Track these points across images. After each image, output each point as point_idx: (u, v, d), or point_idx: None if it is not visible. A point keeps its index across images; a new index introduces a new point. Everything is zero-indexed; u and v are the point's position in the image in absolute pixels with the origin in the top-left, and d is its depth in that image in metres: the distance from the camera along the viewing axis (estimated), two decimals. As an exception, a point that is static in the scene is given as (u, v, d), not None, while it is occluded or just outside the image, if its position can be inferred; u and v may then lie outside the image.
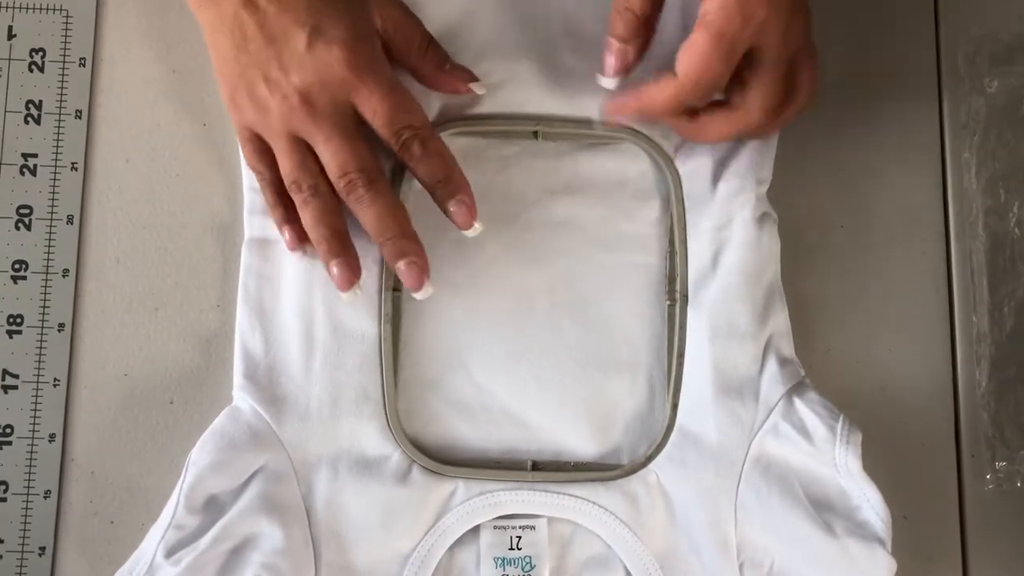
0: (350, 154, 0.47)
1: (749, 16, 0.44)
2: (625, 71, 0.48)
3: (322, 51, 0.46)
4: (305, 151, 0.48)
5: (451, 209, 0.48)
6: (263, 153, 0.49)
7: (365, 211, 0.47)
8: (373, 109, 0.47)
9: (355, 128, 0.48)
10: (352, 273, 0.48)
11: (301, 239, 0.49)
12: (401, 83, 0.48)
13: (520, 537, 0.49)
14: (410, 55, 0.49)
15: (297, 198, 0.48)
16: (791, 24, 0.46)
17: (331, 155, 0.47)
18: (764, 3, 0.44)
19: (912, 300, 0.55)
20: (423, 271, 0.47)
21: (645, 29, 0.47)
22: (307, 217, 0.48)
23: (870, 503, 0.47)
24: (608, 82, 0.48)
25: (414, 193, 0.50)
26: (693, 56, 0.44)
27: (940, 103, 0.56)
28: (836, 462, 0.47)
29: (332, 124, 0.47)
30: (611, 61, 0.48)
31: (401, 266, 0.47)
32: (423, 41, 0.49)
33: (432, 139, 0.48)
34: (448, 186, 0.47)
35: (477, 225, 0.49)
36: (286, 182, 0.49)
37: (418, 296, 0.48)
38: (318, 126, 0.47)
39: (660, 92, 0.47)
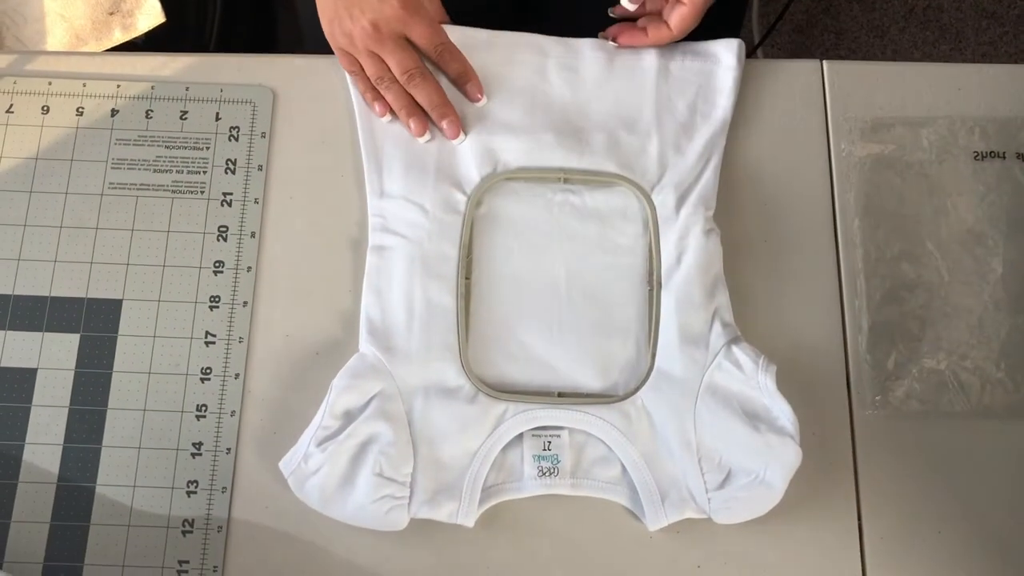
0: (406, 59, 0.69)
1: None
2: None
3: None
4: (379, 60, 0.69)
5: (467, 89, 0.70)
6: (353, 62, 0.70)
7: (419, 92, 0.69)
8: (418, 35, 0.69)
9: (407, 45, 0.69)
10: (455, 128, 0.68)
11: (385, 111, 0.69)
12: (435, 20, 0.70)
13: (550, 442, 0.63)
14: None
15: (381, 87, 0.69)
16: None
17: (395, 62, 0.69)
18: None
19: (815, 288, 0.68)
20: (458, 127, 0.68)
21: None
22: (390, 97, 0.69)
23: (783, 412, 0.61)
24: (630, 6, 0.70)
25: (479, 219, 0.67)
26: (685, 20, 0.68)
27: (830, 163, 0.72)
28: (759, 384, 0.62)
29: (393, 43, 0.68)
30: None
31: (444, 124, 0.68)
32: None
33: (455, 49, 0.70)
34: (466, 75, 0.70)
35: (482, 97, 0.69)
36: (371, 79, 0.69)
37: (455, 142, 0.68)
38: (384, 45, 0.68)
39: (661, 36, 0.70)
